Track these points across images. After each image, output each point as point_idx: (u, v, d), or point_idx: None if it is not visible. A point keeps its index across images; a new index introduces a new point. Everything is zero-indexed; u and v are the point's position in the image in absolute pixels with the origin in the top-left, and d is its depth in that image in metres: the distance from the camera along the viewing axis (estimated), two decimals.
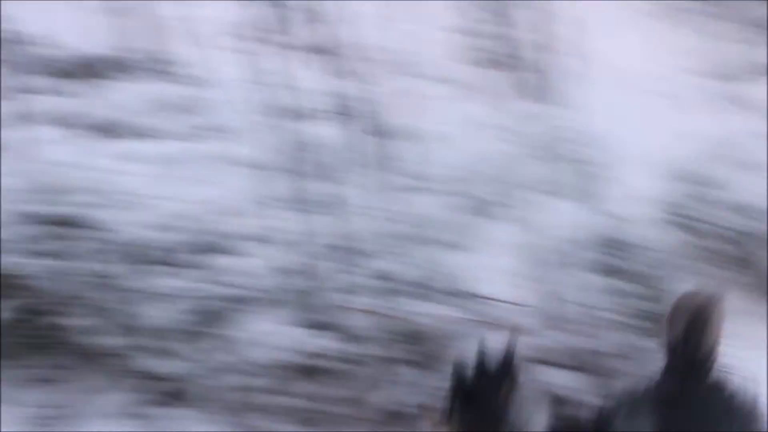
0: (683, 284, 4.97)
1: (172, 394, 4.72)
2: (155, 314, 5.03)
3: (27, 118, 6.18)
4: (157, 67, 6.95)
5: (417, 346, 4.89)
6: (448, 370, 4.75)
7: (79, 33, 7.04)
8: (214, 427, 4.55)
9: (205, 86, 6.58)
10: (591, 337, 4.98)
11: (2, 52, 6.48)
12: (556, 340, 4.95)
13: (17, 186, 5.71)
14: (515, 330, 3.34)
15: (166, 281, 5.21)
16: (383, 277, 5.21)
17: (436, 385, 4.71)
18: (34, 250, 5.30)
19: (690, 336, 3.18)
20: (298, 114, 5.61)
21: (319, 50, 5.84)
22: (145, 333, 4.95)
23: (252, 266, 5.27)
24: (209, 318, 5.04)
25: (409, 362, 4.83)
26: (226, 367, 4.81)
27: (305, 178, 5.40)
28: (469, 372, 3.37)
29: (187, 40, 6.77)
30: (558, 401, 3.83)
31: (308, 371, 4.78)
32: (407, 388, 4.73)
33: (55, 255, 5.30)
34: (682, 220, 5.80)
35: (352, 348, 4.88)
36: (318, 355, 4.84)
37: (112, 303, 5.06)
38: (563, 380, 4.82)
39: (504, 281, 5.20)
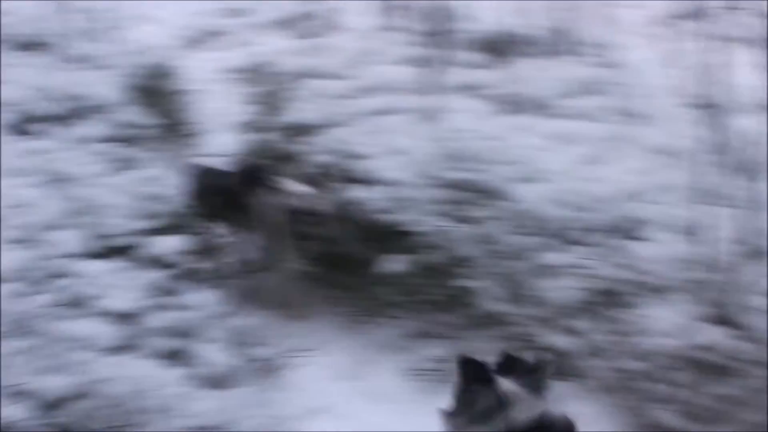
0: None
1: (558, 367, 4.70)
2: (551, 288, 5.05)
3: (446, 88, 6.41)
4: (571, 48, 6.97)
5: None
6: None
7: (500, 10, 7.21)
8: (589, 405, 4.48)
9: (618, 69, 6.51)
10: None
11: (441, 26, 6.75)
12: None
13: (432, 151, 5.94)
14: None
15: (566, 257, 5.21)
16: None
17: None
18: (440, 211, 5.49)
19: None
20: (716, 105, 5.38)
21: (744, 42, 5.57)
22: (538, 305, 4.98)
23: (654, 252, 5.15)
24: (603, 298, 4.98)
25: None
26: (612, 347, 4.73)
27: (719, 170, 5.17)
28: None
29: (603, 22, 6.73)
30: None
31: (697, 364, 4.59)
32: None
33: (460, 219, 5.46)
34: None
35: (748, 348, 4.64)
36: (710, 350, 4.64)
37: (510, 271, 5.14)
38: None
39: None
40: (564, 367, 4.67)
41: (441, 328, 4.95)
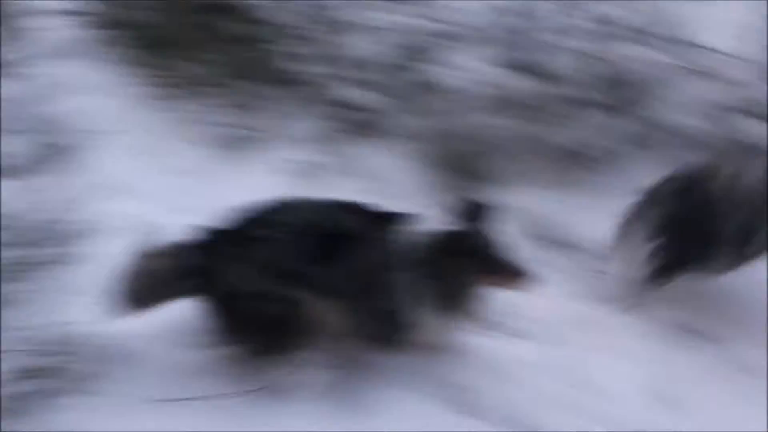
0: None
1: (364, 124, 4.71)
2: (361, 46, 4.97)
3: None
4: None
5: (618, 90, 4.63)
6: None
7: None
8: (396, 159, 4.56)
9: None
10: None
11: None
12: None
13: None
14: None
15: (378, 14, 5.10)
16: (601, 20, 4.88)
17: (625, 130, 4.53)
18: None
19: None
20: None
21: None
22: (348, 63, 4.91)
23: (466, 2, 5.08)
24: (413, 52, 4.94)
25: (605, 106, 4.59)
26: (421, 101, 4.73)
27: None
28: None
29: None
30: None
31: (502, 106, 4.63)
32: (596, 130, 4.52)
33: None
34: None
35: (551, 89, 4.67)
36: (515, 93, 4.68)
37: (320, 33, 5.04)
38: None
39: (727, 33, 4.77)
40: (370, 124, 4.71)
41: (245, 97, 4.88)
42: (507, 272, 3.32)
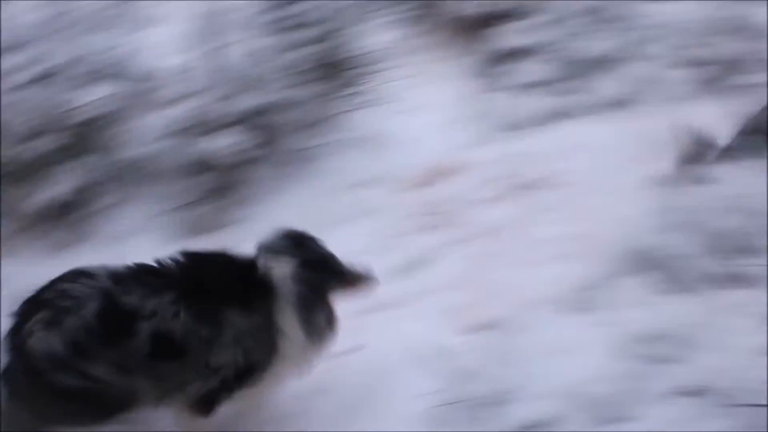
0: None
1: None
2: None
3: None
4: None
5: (77, 135, 4.62)
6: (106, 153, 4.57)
7: None
8: None
9: None
10: (259, 93, 4.82)
11: None
12: (224, 102, 4.77)
13: None
14: None
15: None
16: (41, 64, 4.81)
17: (92, 173, 4.58)
18: None
19: None
20: None
21: None
22: None
23: None
24: None
25: (67, 154, 4.57)
26: None
27: None
28: None
29: None
30: None
31: None
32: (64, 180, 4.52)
33: None
34: None
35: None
36: None
37: None
38: (227, 141, 4.69)
39: (170, 52, 4.92)
40: None
41: None
42: (355, 280, 3.52)
